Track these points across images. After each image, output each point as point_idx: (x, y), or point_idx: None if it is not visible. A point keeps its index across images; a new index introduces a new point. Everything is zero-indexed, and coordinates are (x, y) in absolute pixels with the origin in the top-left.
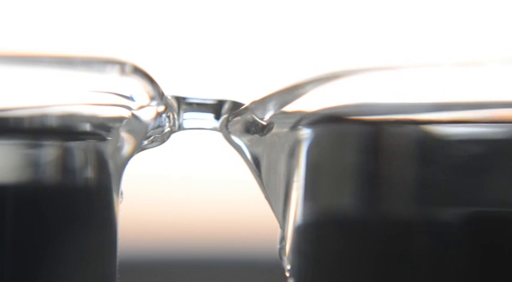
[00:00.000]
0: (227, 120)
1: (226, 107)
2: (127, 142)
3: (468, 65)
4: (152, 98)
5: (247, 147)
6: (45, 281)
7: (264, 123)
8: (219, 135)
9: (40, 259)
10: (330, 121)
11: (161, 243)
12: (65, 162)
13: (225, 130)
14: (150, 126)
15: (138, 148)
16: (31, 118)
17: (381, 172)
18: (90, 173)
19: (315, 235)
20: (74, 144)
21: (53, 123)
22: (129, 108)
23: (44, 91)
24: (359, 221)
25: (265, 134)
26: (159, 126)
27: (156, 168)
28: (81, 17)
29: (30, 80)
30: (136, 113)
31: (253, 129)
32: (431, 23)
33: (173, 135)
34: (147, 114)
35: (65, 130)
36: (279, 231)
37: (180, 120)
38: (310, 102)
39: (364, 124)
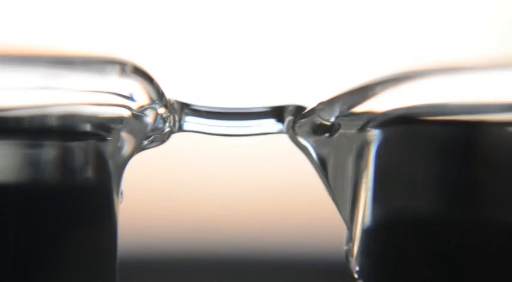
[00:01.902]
0: (293, 122)
1: (290, 109)
2: (127, 142)
3: None
4: (152, 98)
5: (314, 148)
6: (45, 281)
7: (332, 124)
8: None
9: (40, 259)
10: (401, 122)
11: (161, 243)
12: (65, 162)
13: (292, 132)
14: (150, 126)
15: (138, 148)
16: (31, 118)
17: (455, 174)
18: (90, 173)
19: (386, 236)
20: (74, 144)
21: (53, 123)
22: (129, 108)
23: (44, 91)
24: (432, 223)
25: (333, 135)
26: (158, 127)
27: (156, 168)
28: (81, 17)
29: (30, 80)
30: (136, 113)
31: (321, 130)
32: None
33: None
34: (147, 114)
35: (65, 130)
36: (345, 232)
37: (182, 122)
38: (380, 103)
39: (438, 125)
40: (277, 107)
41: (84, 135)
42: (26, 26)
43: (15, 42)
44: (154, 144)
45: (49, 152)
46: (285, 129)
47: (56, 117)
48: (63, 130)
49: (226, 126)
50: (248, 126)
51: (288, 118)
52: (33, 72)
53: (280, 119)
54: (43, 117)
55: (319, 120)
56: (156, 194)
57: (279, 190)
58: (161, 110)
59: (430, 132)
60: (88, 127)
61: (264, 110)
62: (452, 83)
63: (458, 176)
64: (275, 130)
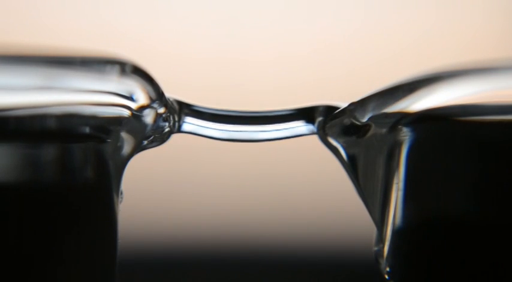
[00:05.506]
0: (324, 123)
1: (320, 110)
2: (127, 142)
3: None
4: (152, 98)
5: (344, 149)
6: (45, 281)
7: (363, 124)
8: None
9: (40, 259)
10: (433, 122)
11: (161, 243)
12: (65, 162)
13: (322, 132)
14: (150, 126)
15: (138, 148)
16: (31, 118)
17: (488, 174)
18: (90, 173)
19: (418, 237)
20: (74, 144)
21: (53, 123)
22: (129, 108)
23: (44, 91)
24: (465, 224)
25: (363, 136)
26: (158, 127)
27: (156, 168)
28: (82, 16)
29: (30, 80)
30: (136, 113)
31: (352, 131)
32: None
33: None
34: (147, 114)
35: (65, 130)
36: (375, 233)
37: (180, 122)
38: (411, 103)
39: (470, 125)
40: (306, 109)
41: (84, 136)
42: (26, 26)
43: (15, 42)
44: (154, 144)
45: (49, 152)
46: (315, 130)
47: (56, 117)
48: (63, 130)
49: (255, 131)
50: (279, 130)
51: (319, 119)
52: (33, 72)
53: (311, 121)
54: (43, 118)
55: (350, 121)
56: (157, 193)
57: (280, 190)
58: (161, 110)
59: (462, 133)
60: (88, 127)
61: (293, 112)
62: (485, 83)
63: (491, 177)
64: (306, 132)
